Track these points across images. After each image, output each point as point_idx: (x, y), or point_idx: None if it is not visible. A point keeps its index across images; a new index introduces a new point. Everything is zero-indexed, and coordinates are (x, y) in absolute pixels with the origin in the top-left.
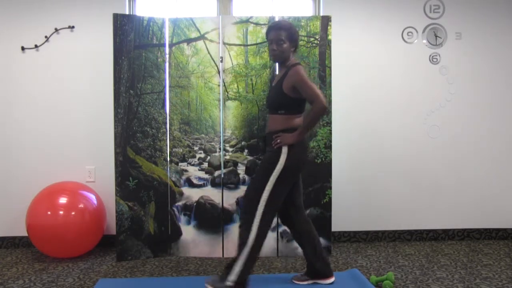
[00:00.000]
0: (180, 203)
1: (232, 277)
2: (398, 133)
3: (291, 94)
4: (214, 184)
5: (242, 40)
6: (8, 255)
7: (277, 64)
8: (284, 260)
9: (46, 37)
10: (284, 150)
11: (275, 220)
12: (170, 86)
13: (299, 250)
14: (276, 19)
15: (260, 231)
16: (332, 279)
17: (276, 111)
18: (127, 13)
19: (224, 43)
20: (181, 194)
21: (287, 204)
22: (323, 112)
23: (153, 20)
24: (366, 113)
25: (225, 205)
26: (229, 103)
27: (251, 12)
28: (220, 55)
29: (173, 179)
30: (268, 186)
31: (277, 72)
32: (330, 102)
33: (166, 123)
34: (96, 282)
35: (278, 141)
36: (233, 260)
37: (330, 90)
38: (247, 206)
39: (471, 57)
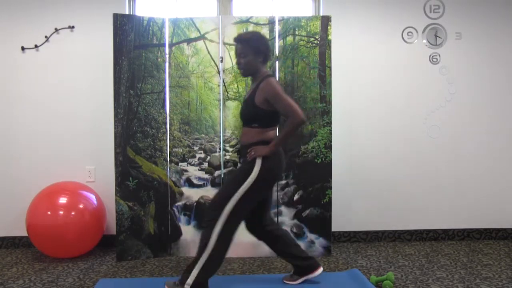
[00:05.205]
0: (180, 203)
1: (189, 280)
2: (398, 133)
3: (264, 107)
4: (214, 184)
5: None
6: (8, 255)
7: (277, 62)
8: (284, 260)
9: (46, 37)
10: (258, 161)
11: (275, 220)
12: (170, 86)
13: None
14: (276, 19)
15: (221, 239)
16: (320, 270)
17: (249, 124)
18: (127, 13)
19: (224, 43)
20: (181, 194)
21: (254, 222)
22: (301, 125)
23: (153, 20)
24: (366, 113)
25: None
26: (229, 103)
27: (251, 12)
28: (220, 55)
29: (173, 179)
30: (236, 196)
31: (276, 72)
32: (330, 102)
33: (166, 123)
34: (96, 282)
35: (252, 153)
36: (192, 263)
37: (330, 90)
38: (212, 211)
39: (471, 57)
